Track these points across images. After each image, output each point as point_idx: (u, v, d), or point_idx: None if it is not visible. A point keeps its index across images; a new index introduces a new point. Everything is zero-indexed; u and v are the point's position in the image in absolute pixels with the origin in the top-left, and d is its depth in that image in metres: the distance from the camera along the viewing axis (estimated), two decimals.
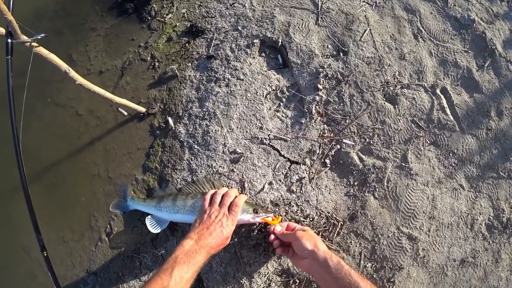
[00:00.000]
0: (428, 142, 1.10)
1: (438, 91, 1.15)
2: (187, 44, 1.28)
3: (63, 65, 0.90)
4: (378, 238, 1.00)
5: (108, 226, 1.12)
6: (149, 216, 1.01)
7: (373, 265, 0.99)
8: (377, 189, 1.04)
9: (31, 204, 0.86)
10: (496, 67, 1.19)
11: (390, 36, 1.22)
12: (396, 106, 1.12)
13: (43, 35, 0.82)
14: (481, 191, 1.07)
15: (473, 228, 1.03)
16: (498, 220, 1.04)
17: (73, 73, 0.93)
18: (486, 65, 1.18)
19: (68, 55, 1.36)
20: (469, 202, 1.06)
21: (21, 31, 0.77)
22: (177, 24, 1.34)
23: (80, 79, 0.95)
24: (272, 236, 0.91)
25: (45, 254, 0.87)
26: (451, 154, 1.09)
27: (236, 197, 0.92)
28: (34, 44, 0.81)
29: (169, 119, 1.18)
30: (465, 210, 1.04)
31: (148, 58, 1.30)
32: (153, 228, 0.98)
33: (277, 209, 1.03)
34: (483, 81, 1.17)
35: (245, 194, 1.04)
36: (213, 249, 0.80)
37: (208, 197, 0.92)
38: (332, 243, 1.00)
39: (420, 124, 1.10)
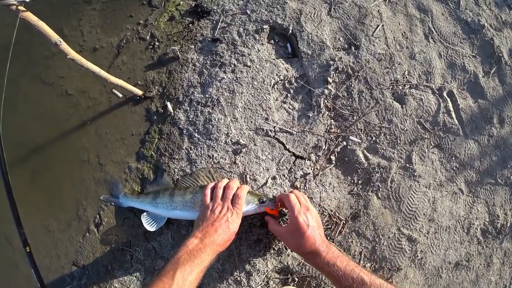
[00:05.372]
0: (433, 144, 1.09)
1: (445, 94, 1.14)
2: (190, 25, 1.20)
3: (54, 36, 0.80)
4: (379, 238, 0.99)
5: (98, 216, 1.04)
6: (145, 213, 0.94)
7: (372, 265, 0.98)
8: (380, 189, 1.03)
9: (12, 195, 0.76)
10: (501, 75, 1.19)
11: (402, 34, 1.19)
12: (404, 106, 1.10)
13: None
14: (479, 196, 1.08)
15: (469, 232, 1.04)
16: (492, 225, 1.06)
17: (64, 45, 0.83)
18: (492, 72, 1.19)
19: (59, 29, 1.24)
20: (467, 206, 1.06)
21: None
22: (181, 2, 1.24)
23: (72, 53, 0.86)
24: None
25: (28, 250, 0.78)
26: (453, 158, 1.09)
27: (238, 188, 0.86)
28: (21, 8, 0.71)
29: (168, 104, 1.10)
30: (462, 214, 1.05)
31: (148, 37, 1.21)
32: (149, 226, 0.92)
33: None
34: (488, 88, 1.17)
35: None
36: (220, 246, 0.75)
37: (208, 191, 0.86)
38: (333, 242, 0.98)
39: (426, 126, 1.09)
